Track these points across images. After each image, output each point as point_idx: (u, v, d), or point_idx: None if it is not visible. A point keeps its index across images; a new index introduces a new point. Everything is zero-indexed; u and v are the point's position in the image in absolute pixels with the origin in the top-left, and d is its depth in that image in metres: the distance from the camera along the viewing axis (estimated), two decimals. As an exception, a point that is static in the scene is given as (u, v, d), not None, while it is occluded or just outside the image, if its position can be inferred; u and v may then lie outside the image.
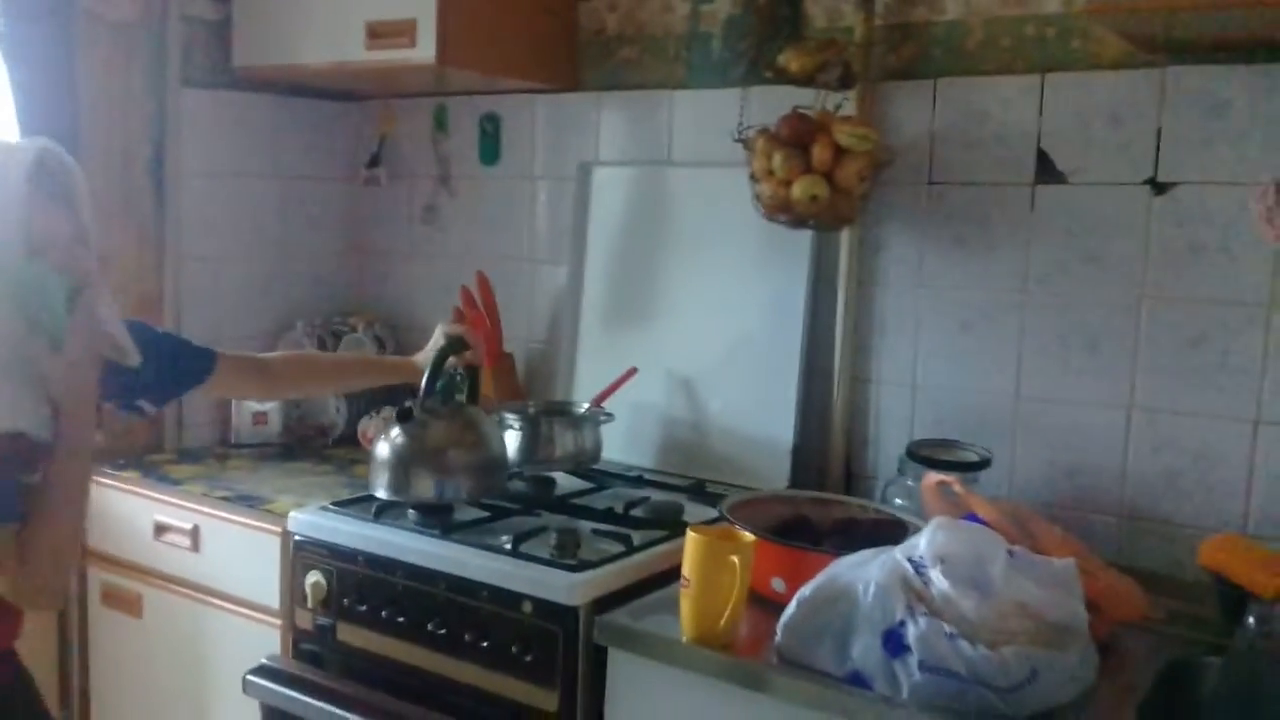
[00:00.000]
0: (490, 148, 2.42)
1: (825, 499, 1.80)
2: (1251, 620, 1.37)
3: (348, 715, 1.66)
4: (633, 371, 2.11)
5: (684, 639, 1.41)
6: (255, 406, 2.39)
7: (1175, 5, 1.40)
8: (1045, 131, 1.79)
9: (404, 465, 1.74)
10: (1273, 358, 1.63)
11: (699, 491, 1.98)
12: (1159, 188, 1.70)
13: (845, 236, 1.96)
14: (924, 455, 1.78)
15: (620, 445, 2.16)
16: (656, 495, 1.95)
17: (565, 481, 2.03)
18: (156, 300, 2.34)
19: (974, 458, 1.78)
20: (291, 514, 1.83)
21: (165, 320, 2.33)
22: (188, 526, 2.02)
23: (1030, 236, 1.81)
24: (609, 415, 2.08)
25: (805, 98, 1.84)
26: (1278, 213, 1.59)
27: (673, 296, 2.17)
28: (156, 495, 2.08)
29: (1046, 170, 1.79)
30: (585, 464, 2.05)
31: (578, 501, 1.92)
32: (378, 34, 2.07)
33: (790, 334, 2.01)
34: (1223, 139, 1.65)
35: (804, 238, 1.98)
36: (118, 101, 2.26)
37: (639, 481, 2.06)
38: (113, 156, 2.26)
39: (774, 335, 2.03)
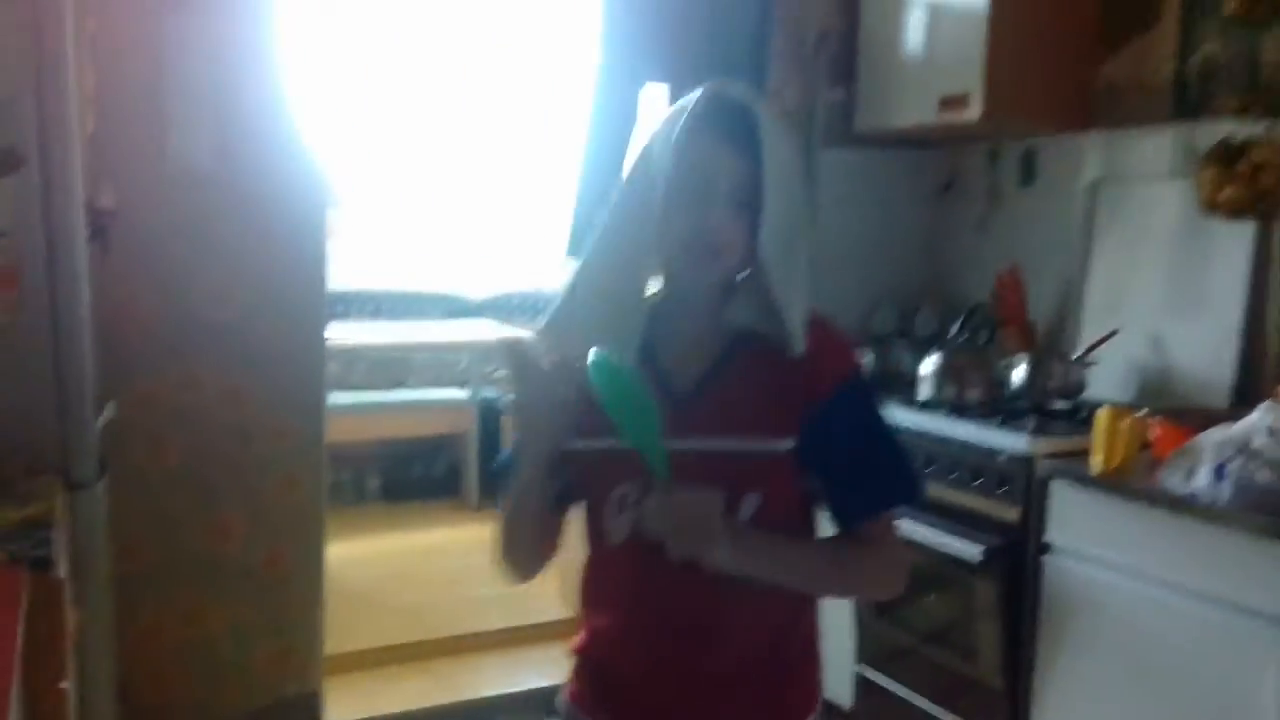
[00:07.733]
0: (1027, 174, 3.38)
1: None
2: None
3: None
4: (1113, 333, 2.94)
5: (1092, 473, 2.32)
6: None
7: None
8: None
9: (936, 378, 2.83)
10: None
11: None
12: None
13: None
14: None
15: (1114, 385, 3.01)
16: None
17: (1059, 405, 2.94)
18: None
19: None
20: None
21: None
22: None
23: None
24: (1092, 362, 2.93)
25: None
26: None
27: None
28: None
29: None
30: (1072, 393, 2.93)
31: (1057, 409, 2.84)
32: (946, 104, 3.17)
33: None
34: None
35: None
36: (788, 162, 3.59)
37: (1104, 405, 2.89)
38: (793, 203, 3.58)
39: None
